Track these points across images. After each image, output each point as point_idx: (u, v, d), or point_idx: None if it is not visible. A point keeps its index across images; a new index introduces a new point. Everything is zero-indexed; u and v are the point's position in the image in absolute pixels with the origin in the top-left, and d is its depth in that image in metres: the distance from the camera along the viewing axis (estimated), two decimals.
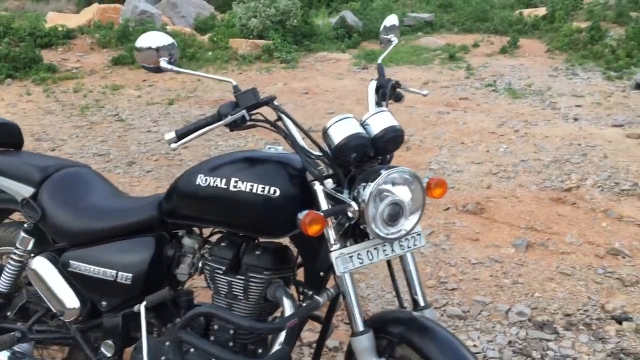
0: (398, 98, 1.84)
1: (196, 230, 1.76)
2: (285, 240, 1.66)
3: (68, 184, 1.80)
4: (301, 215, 1.39)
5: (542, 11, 11.93)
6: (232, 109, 1.51)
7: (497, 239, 3.39)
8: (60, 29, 9.91)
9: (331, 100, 6.82)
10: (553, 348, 2.44)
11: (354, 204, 1.40)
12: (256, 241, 1.67)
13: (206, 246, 1.73)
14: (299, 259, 1.67)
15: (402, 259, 1.58)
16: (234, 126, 1.53)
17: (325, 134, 1.47)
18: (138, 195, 2.10)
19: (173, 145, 1.47)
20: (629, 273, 3.02)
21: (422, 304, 1.55)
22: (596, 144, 4.79)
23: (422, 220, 1.51)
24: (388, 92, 1.75)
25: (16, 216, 2.03)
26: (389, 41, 1.94)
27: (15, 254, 1.79)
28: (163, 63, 1.50)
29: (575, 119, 5.56)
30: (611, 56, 9.14)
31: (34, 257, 1.74)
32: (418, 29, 12.21)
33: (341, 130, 1.45)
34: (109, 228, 1.70)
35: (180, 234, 1.74)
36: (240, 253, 1.63)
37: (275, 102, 1.55)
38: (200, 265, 1.69)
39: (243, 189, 1.51)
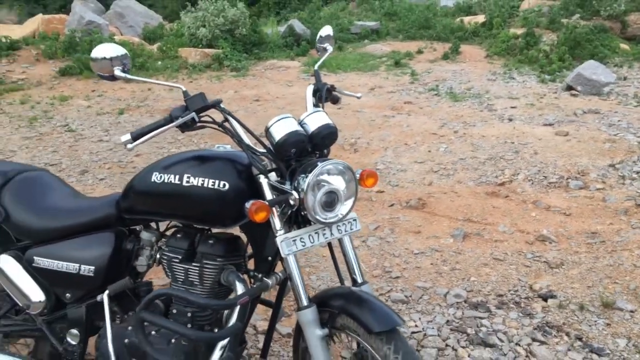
0: (335, 100, 2.04)
1: (153, 225, 1.91)
2: (236, 231, 1.84)
3: (29, 186, 1.91)
4: (248, 204, 1.57)
5: (481, 18, 12.49)
6: (183, 112, 1.68)
7: (437, 230, 3.65)
8: (3, 40, 9.72)
9: (281, 107, 7.00)
10: (486, 324, 2.69)
11: (295, 193, 1.58)
12: (209, 232, 1.84)
13: (163, 239, 1.89)
14: (249, 249, 1.84)
15: (341, 242, 1.77)
16: (184, 127, 1.68)
17: (267, 132, 1.65)
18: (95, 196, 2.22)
19: (129, 146, 1.62)
20: (555, 256, 3.32)
21: (359, 280, 1.75)
22: (528, 141, 5.15)
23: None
24: (324, 95, 1.96)
25: None
26: (325, 49, 2.15)
27: None
28: (117, 72, 1.65)
29: (510, 120, 5.93)
30: (545, 60, 9.70)
31: None
32: (364, 37, 12.55)
33: (281, 129, 1.63)
34: (70, 226, 1.82)
35: (138, 229, 1.89)
36: (195, 243, 1.79)
37: (222, 105, 1.72)
38: (158, 256, 1.84)
39: (195, 184, 1.67)
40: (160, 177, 1.71)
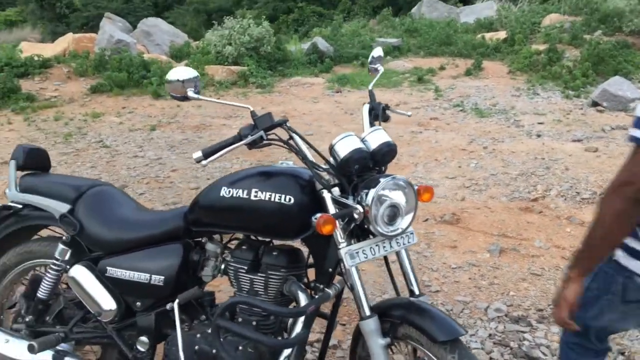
0: (385, 119, 2.15)
1: (216, 237, 2.01)
2: (295, 243, 1.93)
3: (100, 200, 2.02)
4: (315, 217, 1.66)
5: (502, 34, 12.54)
6: (251, 130, 1.79)
7: (473, 245, 3.69)
8: (36, 58, 10.01)
9: (309, 123, 7.12)
10: (528, 338, 2.73)
11: (359, 207, 1.67)
12: (272, 244, 1.93)
13: (226, 251, 1.98)
14: (309, 260, 1.92)
15: (398, 255, 1.85)
16: (252, 145, 1.79)
17: (331, 149, 1.75)
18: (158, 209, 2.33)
19: (203, 162, 1.73)
20: None
21: (417, 292, 1.82)
22: (558, 157, 5.19)
23: None
24: (380, 114, 2.06)
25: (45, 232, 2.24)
26: (376, 70, 2.27)
27: (54, 264, 1.99)
28: (190, 93, 1.77)
29: (539, 135, 5.97)
30: (568, 76, 9.71)
31: (71, 266, 1.95)
32: (387, 54, 12.66)
33: (346, 146, 1.73)
34: (141, 237, 1.93)
35: (202, 240, 1.99)
36: (259, 255, 1.89)
37: (288, 124, 1.83)
38: (222, 267, 1.94)
39: (262, 198, 1.77)
40: (229, 191, 1.81)
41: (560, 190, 4.42)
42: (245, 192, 1.78)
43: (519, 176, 4.85)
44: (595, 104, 7.74)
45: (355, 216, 1.67)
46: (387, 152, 1.79)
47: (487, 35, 12.84)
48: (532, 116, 7.08)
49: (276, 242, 1.93)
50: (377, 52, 2.28)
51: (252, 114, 1.82)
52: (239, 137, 1.80)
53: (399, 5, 21.20)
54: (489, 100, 8.31)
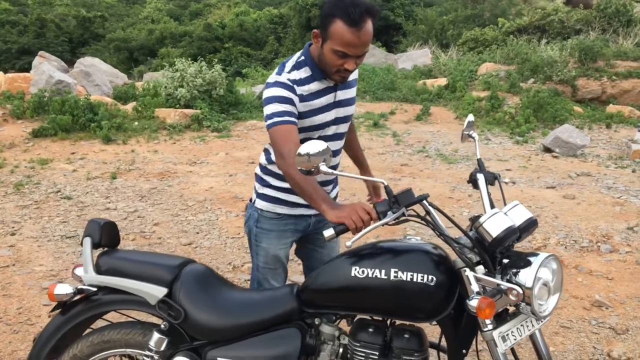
0: (491, 184, 2.12)
1: (327, 317, 1.85)
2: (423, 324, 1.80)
3: (197, 281, 1.79)
4: (474, 301, 1.56)
5: (442, 81, 13.11)
6: (389, 207, 1.68)
7: None
8: None
9: None
10: None
11: (518, 288, 1.58)
12: (394, 324, 1.80)
13: (342, 333, 1.82)
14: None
15: (533, 334, 1.79)
16: (391, 222, 1.69)
17: (479, 227, 1.66)
18: (263, 288, 2.12)
19: (347, 243, 1.60)
20: (617, 322, 3.42)
21: None
22: (542, 205, 5.37)
23: None
24: (492, 183, 2.03)
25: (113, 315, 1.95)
26: (470, 136, 2.23)
27: (147, 355, 1.73)
28: (323, 167, 1.64)
29: (513, 182, 6.16)
30: (512, 122, 10.26)
31: (170, 357, 1.71)
32: None
33: (498, 224, 1.65)
34: (252, 322, 1.73)
35: (316, 322, 1.81)
36: (386, 338, 1.75)
37: (429, 200, 1.73)
38: (340, 351, 1.78)
39: (404, 279, 1.65)
40: (363, 271, 1.68)
41: (559, 239, 4.55)
42: (383, 272, 1.66)
43: None
44: (547, 149, 8.18)
45: (513, 298, 1.58)
46: (529, 228, 1.74)
47: (429, 82, 13.37)
48: (497, 162, 7.34)
49: (399, 321, 1.81)
50: (470, 117, 2.25)
51: (386, 188, 1.72)
52: (377, 215, 1.71)
53: None
54: (448, 146, 8.56)
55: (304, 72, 2.02)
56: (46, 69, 10.60)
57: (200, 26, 33.88)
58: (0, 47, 33.19)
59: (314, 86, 2.03)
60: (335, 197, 2.38)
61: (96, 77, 12.15)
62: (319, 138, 2.07)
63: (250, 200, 2.29)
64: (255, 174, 2.28)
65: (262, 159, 2.23)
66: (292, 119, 1.95)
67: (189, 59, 11.19)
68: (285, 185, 2.09)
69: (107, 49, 35.55)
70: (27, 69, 15.03)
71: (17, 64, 31.07)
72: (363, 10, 1.83)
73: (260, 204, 2.20)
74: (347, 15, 1.82)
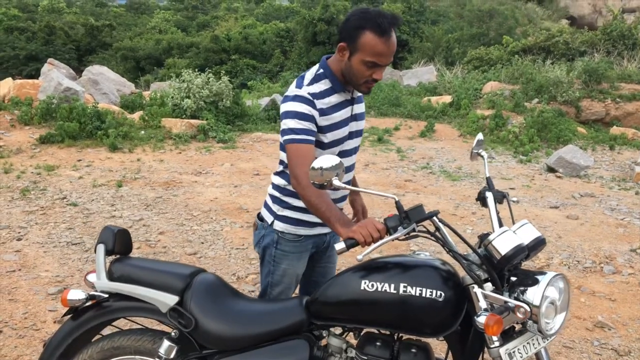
0: (500, 202, 2.15)
1: (334, 330, 1.87)
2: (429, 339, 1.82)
3: (208, 290, 1.82)
4: (482, 317, 1.58)
5: (447, 99, 13.19)
6: (399, 222, 1.71)
7: None
8: None
9: None
10: None
11: (525, 305, 1.61)
12: (401, 338, 1.82)
13: (349, 346, 1.84)
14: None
15: (539, 352, 1.80)
16: (401, 237, 1.72)
17: (488, 244, 1.70)
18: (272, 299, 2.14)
19: (358, 257, 1.63)
20: (619, 344, 3.43)
21: None
22: (546, 225, 5.39)
23: None
24: (501, 202, 2.06)
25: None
26: (479, 154, 2.27)
27: None
28: (335, 182, 1.68)
29: (517, 202, 6.19)
30: (516, 142, 10.30)
31: None
32: None
33: (507, 242, 1.69)
34: (261, 333, 1.75)
35: (324, 334, 1.84)
36: (393, 352, 1.77)
37: (439, 216, 1.76)
38: None
39: (413, 294, 1.67)
40: (372, 285, 1.70)
41: (562, 260, 4.57)
42: (393, 286, 1.69)
43: None
44: (551, 169, 8.21)
45: (520, 315, 1.61)
46: (537, 247, 1.78)
47: (433, 99, 13.44)
48: (501, 181, 7.37)
49: (406, 336, 1.83)
50: (480, 136, 2.30)
51: (397, 204, 1.75)
52: (386, 230, 1.74)
53: None
54: (452, 163, 8.60)
55: (324, 85, 2.04)
56: (55, 76, 10.69)
57: (207, 38, 34.11)
58: (8, 53, 33.46)
59: (334, 99, 2.05)
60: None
61: (104, 85, 12.25)
62: (339, 154, 2.08)
63: (261, 219, 2.24)
64: (272, 196, 2.22)
65: (279, 180, 2.18)
66: (310, 137, 1.96)
67: (196, 69, 11.31)
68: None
69: (114, 58, 35.78)
70: (34, 75, 15.20)
71: (25, 70, 31.31)
72: (390, 20, 1.89)
73: (280, 225, 2.15)
74: (377, 25, 1.87)
